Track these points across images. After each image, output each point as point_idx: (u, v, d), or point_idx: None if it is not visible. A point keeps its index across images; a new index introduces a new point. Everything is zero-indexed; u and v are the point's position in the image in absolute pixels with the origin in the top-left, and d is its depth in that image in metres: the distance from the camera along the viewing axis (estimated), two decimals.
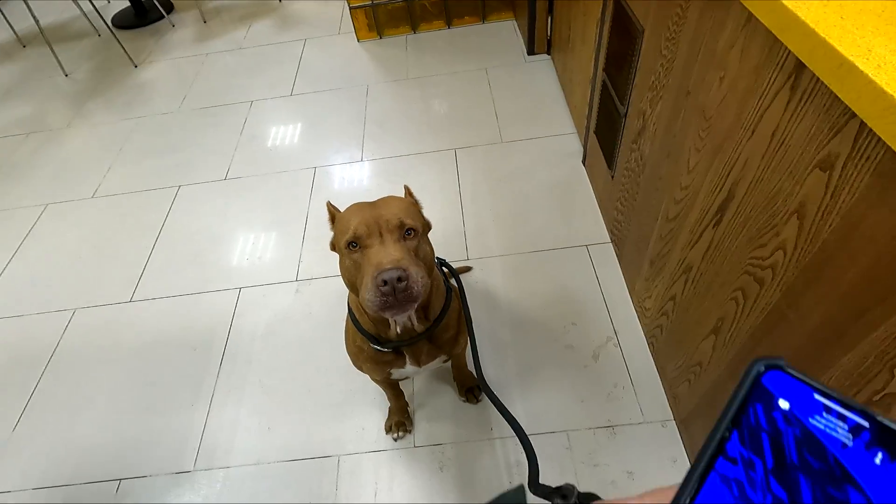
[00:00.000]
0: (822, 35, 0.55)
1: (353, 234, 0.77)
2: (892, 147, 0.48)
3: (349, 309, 0.97)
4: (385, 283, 0.70)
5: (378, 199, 0.85)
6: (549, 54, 2.37)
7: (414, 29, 2.67)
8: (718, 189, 0.87)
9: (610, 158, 1.48)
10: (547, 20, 2.24)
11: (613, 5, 1.30)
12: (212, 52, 2.83)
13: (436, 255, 1.04)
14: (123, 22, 3.19)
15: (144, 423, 1.38)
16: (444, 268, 1.06)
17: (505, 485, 1.16)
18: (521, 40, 2.48)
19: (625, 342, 1.36)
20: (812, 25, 0.56)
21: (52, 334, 1.61)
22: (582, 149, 1.84)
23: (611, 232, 1.59)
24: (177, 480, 1.26)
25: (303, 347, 1.47)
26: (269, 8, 3.13)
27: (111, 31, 2.96)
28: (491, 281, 1.55)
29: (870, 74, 0.49)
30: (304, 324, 1.53)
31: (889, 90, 0.47)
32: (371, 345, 0.92)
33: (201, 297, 1.65)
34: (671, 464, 1.15)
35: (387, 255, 0.73)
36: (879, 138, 0.52)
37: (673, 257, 1.10)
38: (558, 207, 1.72)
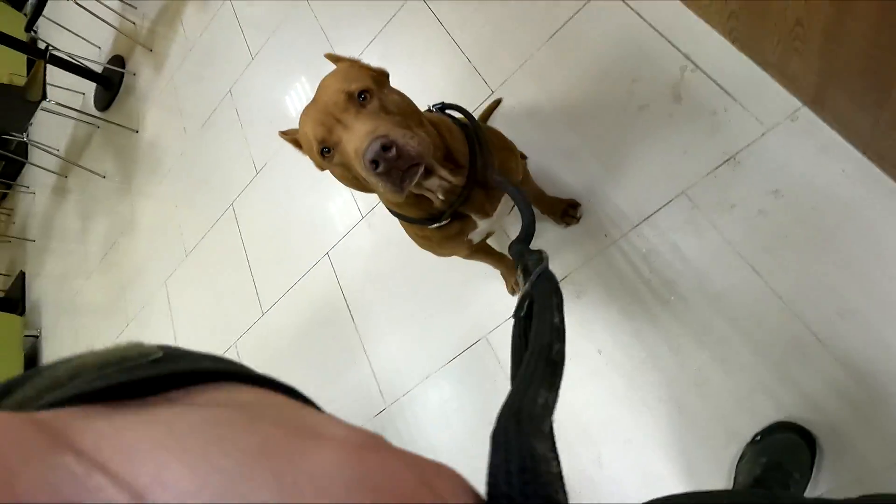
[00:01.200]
0: None
1: (317, 143, 0.68)
2: None
3: (391, 212, 0.91)
4: (375, 163, 0.61)
5: (317, 90, 0.73)
6: None
7: None
8: None
9: None
10: None
11: None
12: (174, 72, 2.76)
13: (433, 104, 0.91)
14: (103, 102, 3.27)
15: (334, 391, 1.57)
16: (443, 109, 0.91)
17: (645, 279, 1.08)
18: None
19: (703, 60, 1.10)
20: None
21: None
22: None
23: None
24: (380, 420, 1.43)
25: (403, 268, 1.49)
26: None
27: (102, 119, 3.07)
28: (527, 96, 1.35)
29: None
30: (392, 248, 1.54)
31: None
32: (431, 227, 0.87)
33: (307, 279, 1.75)
34: (822, 154, 0.94)
35: (357, 136, 0.63)
36: None
37: None
38: None
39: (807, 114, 0.96)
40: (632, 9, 1.21)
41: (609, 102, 1.21)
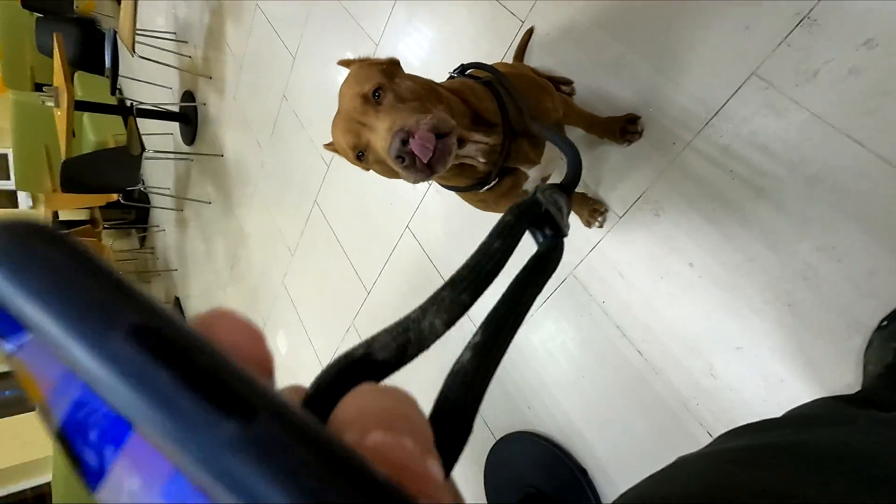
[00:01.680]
0: None
1: (350, 149, 0.73)
2: None
3: (443, 187, 0.94)
4: (402, 158, 0.65)
5: (338, 100, 0.77)
6: None
7: None
8: None
9: None
10: None
11: None
12: (235, 91, 2.96)
13: (453, 70, 0.91)
14: (189, 137, 3.63)
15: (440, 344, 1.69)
16: (465, 72, 0.91)
17: (726, 178, 1.00)
18: None
19: None
20: None
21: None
22: None
23: None
24: None
25: (477, 223, 1.53)
26: (218, 13, 3.04)
27: (192, 152, 3.43)
28: (558, 18, 1.26)
29: None
30: (463, 207, 1.56)
31: None
32: (482, 190, 0.89)
33: (395, 254, 1.87)
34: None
35: (380, 136, 0.67)
36: None
37: None
38: None
39: None
40: None
41: None
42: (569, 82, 1.24)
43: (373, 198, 1.95)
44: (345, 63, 0.81)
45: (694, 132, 1.04)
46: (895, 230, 0.82)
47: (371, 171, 0.80)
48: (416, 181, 0.68)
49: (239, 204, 3.04)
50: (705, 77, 1.01)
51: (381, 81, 0.69)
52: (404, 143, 0.63)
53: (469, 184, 0.87)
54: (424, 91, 0.72)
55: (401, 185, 1.80)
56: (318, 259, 2.33)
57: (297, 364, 2.62)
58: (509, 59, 1.37)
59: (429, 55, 1.66)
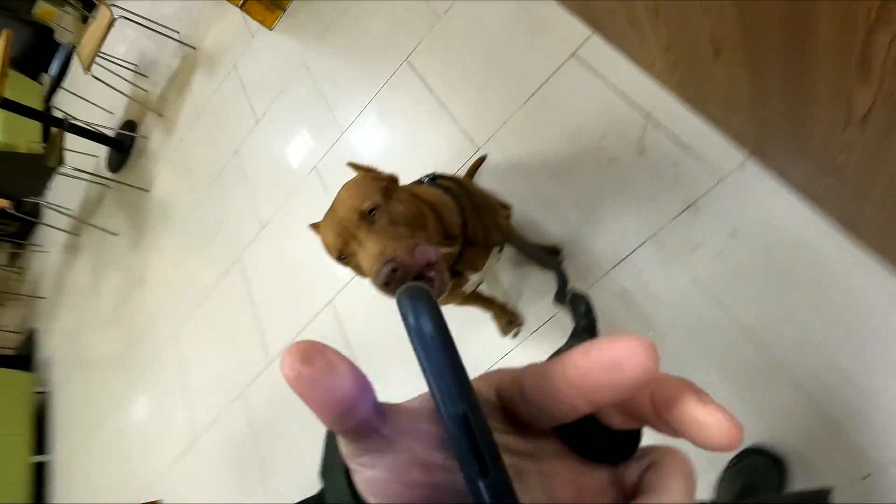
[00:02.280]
0: None
1: (335, 252, 0.79)
2: None
3: None
4: (387, 283, 0.70)
5: (335, 199, 0.84)
6: None
7: None
8: None
9: None
10: None
11: None
12: (183, 135, 2.95)
13: (425, 175, 1.03)
14: (116, 164, 3.45)
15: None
16: (435, 180, 1.04)
17: (624, 316, 1.17)
18: None
19: (661, 118, 1.23)
20: None
21: (243, 417, 1.95)
22: None
23: (587, 21, 1.40)
24: None
25: (397, 313, 1.58)
26: (192, 60, 3.12)
27: (115, 180, 3.24)
28: (510, 152, 1.49)
29: None
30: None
31: None
32: None
33: (311, 326, 1.84)
34: (769, 198, 1.05)
35: (369, 258, 0.72)
36: None
37: (639, 9, 0.94)
38: (527, 36, 1.55)
39: (752, 164, 1.08)
40: (598, 75, 1.36)
41: (583, 156, 1.34)
42: (508, 207, 1.43)
43: (303, 267, 1.96)
44: (353, 166, 0.89)
45: (603, 271, 1.23)
46: (747, 384, 1.00)
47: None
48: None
49: (151, 243, 2.86)
50: (617, 230, 1.23)
51: (378, 203, 0.77)
52: (394, 270, 0.69)
53: None
54: (413, 217, 0.81)
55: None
56: (225, 318, 2.21)
57: (156, 432, 2.32)
58: (460, 175, 1.56)
59: (385, 152, 1.82)
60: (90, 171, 3.33)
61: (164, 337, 2.49)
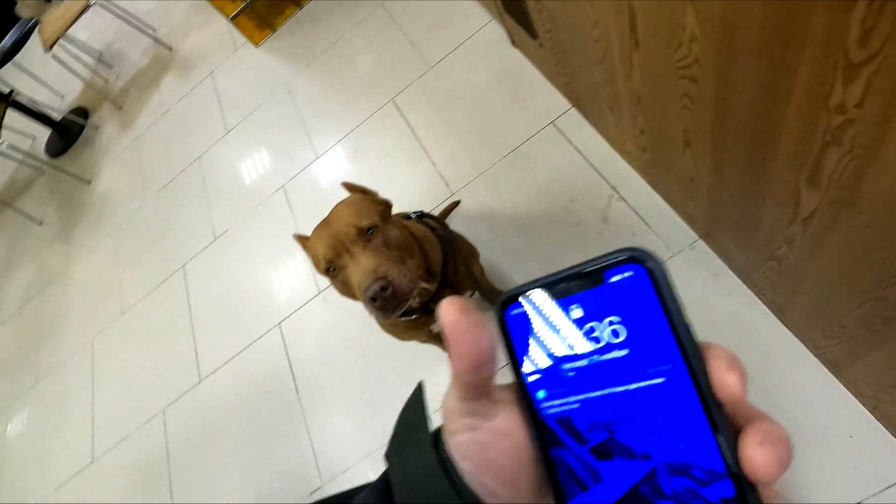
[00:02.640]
0: None
1: (324, 262, 0.79)
2: None
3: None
4: (374, 299, 0.73)
5: (331, 213, 0.86)
6: None
7: (298, 4, 2.54)
8: (622, 10, 0.82)
9: (528, 28, 1.41)
10: None
11: None
12: (142, 133, 2.82)
13: (413, 212, 1.06)
14: (55, 149, 3.22)
15: (269, 467, 1.53)
16: (422, 218, 1.08)
17: None
18: None
19: (625, 192, 1.35)
20: None
21: (157, 439, 1.78)
22: (505, 32, 1.75)
23: (567, 96, 1.54)
24: (315, 498, 1.41)
25: (357, 344, 1.56)
26: (166, 61, 3.05)
27: (51, 165, 3.01)
28: (482, 201, 1.56)
29: None
30: (345, 324, 1.61)
31: None
32: (401, 318, 0.98)
33: (253, 348, 1.76)
34: (714, 279, 1.17)
35: (361, 272, 0.75)
36: None
37: (622, 94, 1.06)
38: (511, 100, 1.67)
39: (702, 245, 1.20)
40: (572, 144, 1.49)
41: (551, 216, 1.43)
42: (475, 252, 1.48)
43: (254, 284, 1.89)
44: (349, 186, 0.92)
45: None
46: None
47: (326, 279, 0.87)
48: (376, 317, 0.77)
49: (79, 239, 2.64)
50: None
51: (377, 223, 0.80)
52: (383, 288, 0.73)
53: None
54: (405, 243, 0.84)
55: (292, 282, 1.80)
56: (155, 329, 2.06)
57: (47, 447, 2.06)
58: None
59: (358, 182, 1.84)
60: (24, 149, 3.07)
61: (76, 343, 2.26)
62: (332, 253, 0.78)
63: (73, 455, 1.95)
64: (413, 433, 0.24)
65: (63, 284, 2.53)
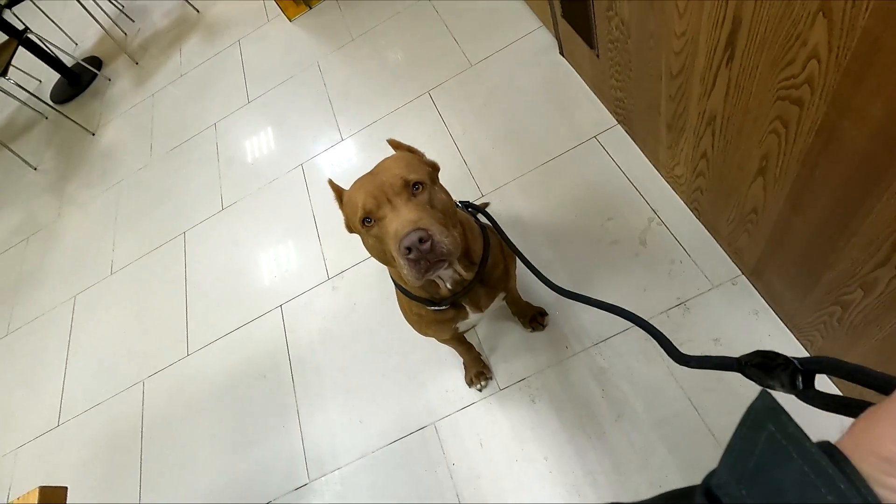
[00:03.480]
0: None
1: (363, 211, 0.73)
2: None
3: (394, 283, 0.95)
4: (409, 249, 0.68)
5: (376, 166, 0.80)
6: None
7: None
8: (720, 22, 0.78)
9: (588, 37, 1.37)
10: None
11: None
12: (156, 91, 2.72)
13: (457, 200, 1.00)
14: (62, 96, 3.09)
15: (251, 456, 1.44)
16: (469, 209, 1.02)
17: (597, 395, 1.17)
18: None
19: (667, 217, 1.31)
20: None
21: (133, 409, 1.68)
22: (555, 40, 1.71)
23: (614, 113, 1.50)
24: (299, 495, 1.32)
25: (361, 337, 1.48)
26: (191, 23, 2.96)
27: (56, 110, 2.89)
28: (514, 207, 1.50)
29: None
30: (354, 315, 1.53)
31: None
32: (429, 308, 0.91)
33: (250, 327, 1.67)
34: (754, 317, 1.13)
35: (401, 221, 0.70)
36: None
37: (691, 113, 1.02)
38: (553, 109, 1.62)
39: (744, 281, 1.16)
40: (615, 161, 1.44)
41: (585, 231, 1.38)
42: (512, 256, 1.42)
43: (259, 261, 1.80)
44: (394, 143, 0.86)
45: (584, 347, 1.23)
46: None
47: (357, 236, 0.80)
48: (408, 274, 0.71)
49: (74, 192, 2.52)
50: None
51: (425, 180, 0.75)
52: (422, 241, 0.67)
53: (423, 297, 0.89)
54: (450, 209, 0.79)
55: (301, 264, 1.71)
56: (146, 293, 1.95)
57: (9, 404, 1.93)
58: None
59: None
60: (29, 90, 2.94)
61: (56, 297, 2.14)
62: (372, 203, 0.72)
63: (38, 415, 1.83)
64: (793, 459, 0.21)
65: (51, 235, 2.41)
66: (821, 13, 0.59)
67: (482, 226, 0.96)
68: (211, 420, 1.55)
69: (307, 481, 1.33)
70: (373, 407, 1.37)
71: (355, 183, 0.78)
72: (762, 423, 0.23)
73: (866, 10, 0.53)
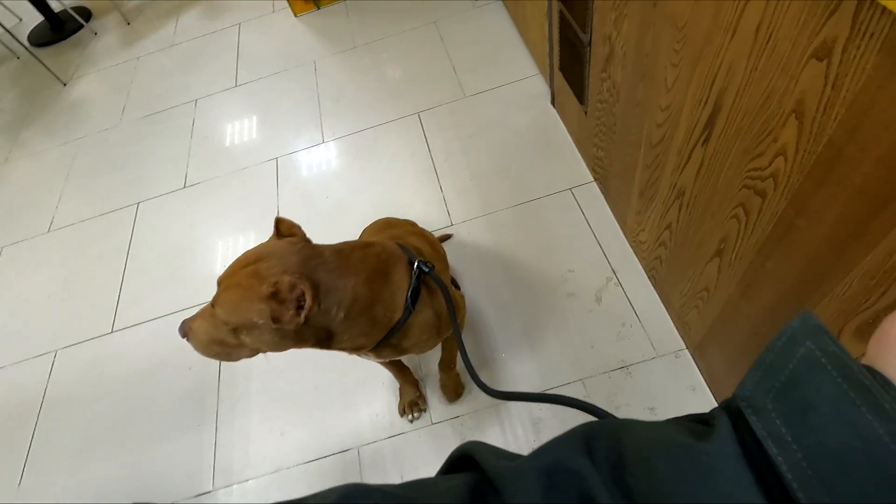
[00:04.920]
0: None
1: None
2: None
3: None
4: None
5: (235, 263, 0.74)
6: None
7: None
8: (703, 103, 0.81)
9: (580, 93, 1.41)
10: None
11: None
12: (143, 55, 2.63)
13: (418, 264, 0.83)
14: (41, 39, 2.95)
15: (156, 452, 1.33)
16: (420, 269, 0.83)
17: (531, 444, 1.15)
18: None
19: (625, 280, 1.33)
20: None
21: (37, 381, 1.54)
22: (549, 89, 1.75)
23: (592, 170, 1.54)
24: (199, 502, 1.23)
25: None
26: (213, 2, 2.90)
27: (30, 52, 2.74)
28: (480, 241, 1.50)
29: None
30: None
31: None
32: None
33: (188, 313, 1.57)
34: (690, 392, 1.14)
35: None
36: (884, 9, 0.46)
37: (663, 184, 1.05)
38: (535, 155, 1.65)
39: (687, 356, 1.18)
40: (585, 216, 1.47)
41: (546, 279, 1.38)
42: (457, 286, 1.40)
43: (209, 247, 1.72)
44: (280, 224, 0.77)
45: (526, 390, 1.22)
46: None
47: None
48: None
49: (31, 137, 2.38)
50: (551, 359, 1.25)
51: (241, 323, 0.70)
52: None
53: None
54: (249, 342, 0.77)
55: None
56: (80, 259, 1.82)
57: None
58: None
59: (357, 180, 1.74)
60: (5, 27, 2.79)
61: None
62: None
63: None
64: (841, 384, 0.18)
65: None
66: (793, 114, 0.61)
67: (408, 305, 0.79)
68: (121, 406, 1.44)
69: (211, 489, 1.24)
70: (298, 420, 1.30)
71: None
72: (800, 339, 0.21)
73: (835, 119, 0.55)
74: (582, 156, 1.59)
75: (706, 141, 0.83)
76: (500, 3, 2.20)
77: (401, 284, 0.79)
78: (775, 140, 0.66)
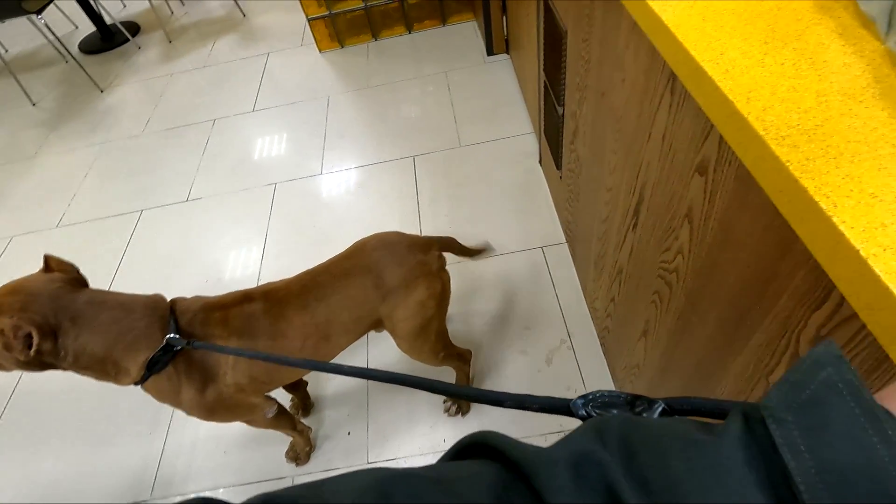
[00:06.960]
0: (680, 38, 0.53)
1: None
2: (738, 155, 0.46)
3: None
4: None
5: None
6: (508, 54, 2.35)
7: (375, 36, 2.65)
8: (633, 191, 0.85)
9: (557, 158, 1.47)
10: (502, 20, 2.22)
11: (543, 4, 1.29)
12: (177, 72, 2.82)
13: None
14: (90, 47, 3.19)
15: (105, 454, 1.38)
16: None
17: None
18: (481, 41, 2.46)
19: (578, 344, 1.35)
20: (672, 28, 0.55)
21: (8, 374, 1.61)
22: (539, 149, 1.82)
23: (565, 232, 1.58)
24: None
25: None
26: (234, 23, 3.12)
27: (74, 58, 2.97)
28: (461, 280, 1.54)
29: (716, 80, 0.48)
30: None
31: (731, 97, 0.46)
32: None
33: None
34: None
35: None
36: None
37: (609, 259, 1.09)
38: (515, 209, 1.71)
39: None
40: (551, 277, 1.50)
41: (502, 332, 1.41)
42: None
43: (200, 260, 1.80)
44: (47, 259, 0.89)
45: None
46: None
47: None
48: None
49: (61, 138, 2.55)
50: (493, 414, 1.26)
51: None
52: None
53: None
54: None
55: (238, 274, 1.72)
56: (77, 256, 1.92)
57: None
58: None
59: (342, 211, 1.82)
60: (60, 35, 3.03)
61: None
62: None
63: None
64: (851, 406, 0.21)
65: (17, 170, 2.40)
66: (686, 219, 0.66)
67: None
68: (84, 405, 1.50)
69: (148, 498, 1.27)
70: (243, 441, 1.33)
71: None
72: (822, 364, 0.24)
73: (711, 230, 0.60)
74: (558, 216, 1.64)
75: (635, 226, 0.87)
76: (509, 61, 2.31)
77: (143, 352, 0.85)
78: (676, 238, 0.70)
